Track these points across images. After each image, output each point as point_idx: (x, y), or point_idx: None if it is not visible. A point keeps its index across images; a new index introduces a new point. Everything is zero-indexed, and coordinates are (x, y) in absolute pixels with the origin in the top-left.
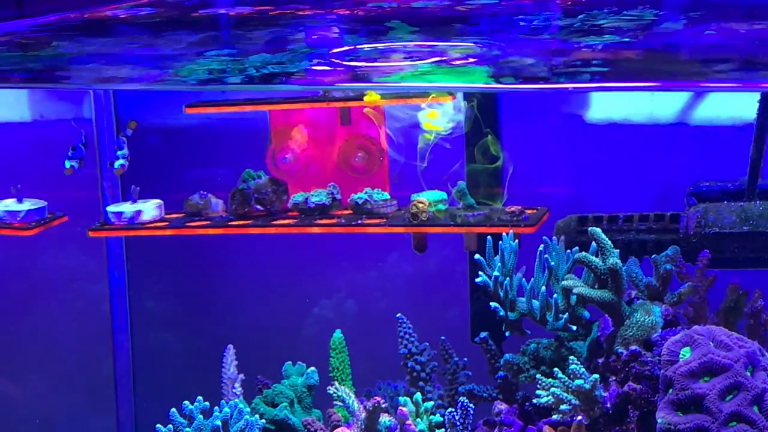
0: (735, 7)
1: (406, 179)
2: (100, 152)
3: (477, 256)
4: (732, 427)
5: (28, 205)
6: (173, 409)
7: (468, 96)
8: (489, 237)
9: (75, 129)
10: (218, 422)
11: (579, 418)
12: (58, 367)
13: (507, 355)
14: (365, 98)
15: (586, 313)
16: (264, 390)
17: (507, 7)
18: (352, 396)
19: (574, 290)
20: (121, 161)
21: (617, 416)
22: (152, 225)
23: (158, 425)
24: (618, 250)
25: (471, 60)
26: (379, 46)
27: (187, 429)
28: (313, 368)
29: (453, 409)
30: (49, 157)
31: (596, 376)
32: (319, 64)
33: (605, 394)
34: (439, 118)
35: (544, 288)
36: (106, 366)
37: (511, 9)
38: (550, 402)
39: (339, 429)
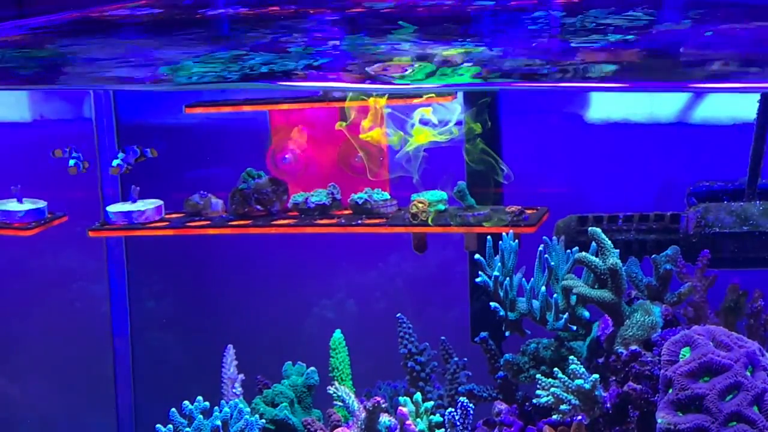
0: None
1: (406, 179)
2: (100, 152)
3: (477, 256)
4: (732, 427)
5: (28, 205)
6: (173, 409)
7: (480, 95)
8: (489, 237)
9: (70, 150)
10: (218, 422)
11: (579, 418)
12: (58, 366)
13: (507, 355)
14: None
15: (586, 313)
16: (264, 390)
17: (507, 7)
18: (352, 396)
19: (574, 290)
20: (119, 161)
21: (617, 416)
22: (152, 225)
23: (158, 425)
24: (618, 250)
25: (471, 60)
26: (379, 46)
27: (187, 429)
28: (313, 368)
29: (453, 409)
30: (49, 157)
31: (596, 376)
32: (319, 64)
33: (605, 394)
34: (434, 118)
35: (544, 288)
36: (106, 366)
37: (512, 9)
38: (550, 402)
39: (339, 429)
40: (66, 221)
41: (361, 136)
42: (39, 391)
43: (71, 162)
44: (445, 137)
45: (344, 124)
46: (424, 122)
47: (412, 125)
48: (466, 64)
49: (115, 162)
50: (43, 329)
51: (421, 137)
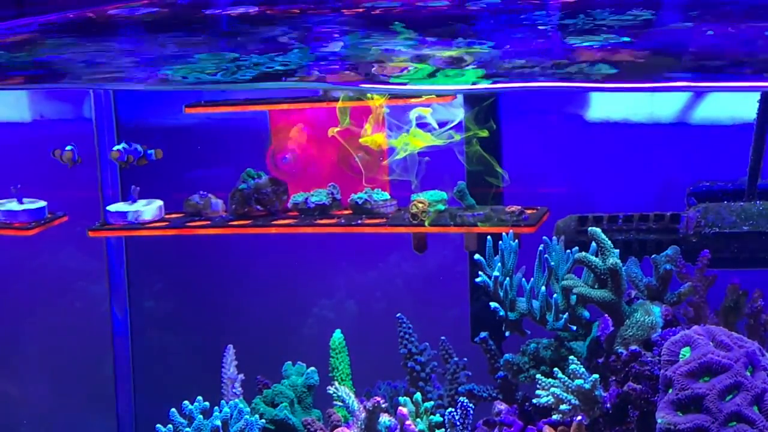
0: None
1: (406, 179)
2: (100, 152)
3: (477, 256)
4: (732, 427)
5: (28, 205)
6: (173, 409)
7: (482, 97)
8: (489, 237)
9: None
10: (218, 422)
11: (579, 418)
12: (58, 366)
13: (507, 355)
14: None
15: (586, 313)
16: (264, 390)
17: (507, 7)
18: (352, 396)
19: (574, 290)
20: (120, 148)
21: (617, 416)
22: (152, 225)
23: (158, 425)
24: (618, 250)
25: (470, 60)
26: (379, 46)
27: (187, 429)
28: (313, 368)
29: (453, 409)
30: (49, 157)
31: (596, 376)
32: (319, 64)
33: (605, 394)
34: (432, 120)
35: (544, 288)
36: (106, 366)
37: (512, 9)
38: (550, 402)
39: (339, 429)
40: (66, 221)
41: (361, 139)
42: (39, 392)
43: (68, 147)
44: (443, 141)
45: (335, 130)
46: (422, 124)
47: (408, 130)
48: (466, 65)
49: (115, 147)
50: (43, 329)
51: (418, 141)
